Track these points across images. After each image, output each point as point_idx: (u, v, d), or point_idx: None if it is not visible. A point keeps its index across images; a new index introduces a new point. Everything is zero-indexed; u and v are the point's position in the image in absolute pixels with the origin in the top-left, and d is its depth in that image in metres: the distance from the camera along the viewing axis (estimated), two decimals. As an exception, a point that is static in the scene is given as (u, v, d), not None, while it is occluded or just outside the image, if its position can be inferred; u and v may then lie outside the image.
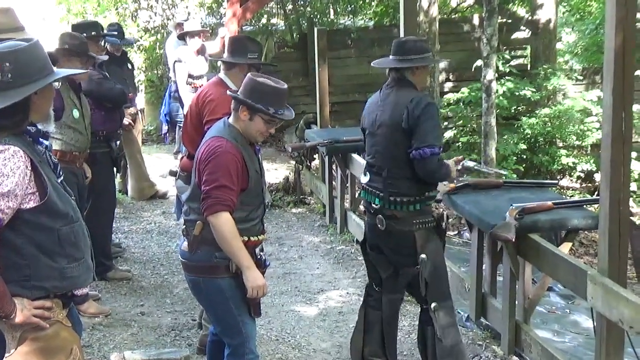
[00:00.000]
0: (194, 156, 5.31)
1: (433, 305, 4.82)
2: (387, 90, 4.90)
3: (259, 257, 4.16)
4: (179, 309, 6.43)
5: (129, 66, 9.28)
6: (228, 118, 4.19)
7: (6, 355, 3.20)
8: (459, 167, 5.11)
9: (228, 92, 4.43)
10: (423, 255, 4.72)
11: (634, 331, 3.78)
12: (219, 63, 5.77)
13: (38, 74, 3.17)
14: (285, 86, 4.17)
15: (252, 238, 4.11)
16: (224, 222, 3.92)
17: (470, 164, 5.24)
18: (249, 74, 4.22)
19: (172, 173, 6.87)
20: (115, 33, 8.71)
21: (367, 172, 5.00)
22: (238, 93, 4.16)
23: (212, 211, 3.91)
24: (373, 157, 4.94)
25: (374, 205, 4.88)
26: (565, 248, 5.20)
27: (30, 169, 3.12)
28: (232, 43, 5.61)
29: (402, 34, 6.95)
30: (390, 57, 4.92)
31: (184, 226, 4.20)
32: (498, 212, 5.15)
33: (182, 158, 5.69)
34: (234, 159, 3.98)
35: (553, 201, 5.32)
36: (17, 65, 3.11)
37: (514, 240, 4.93)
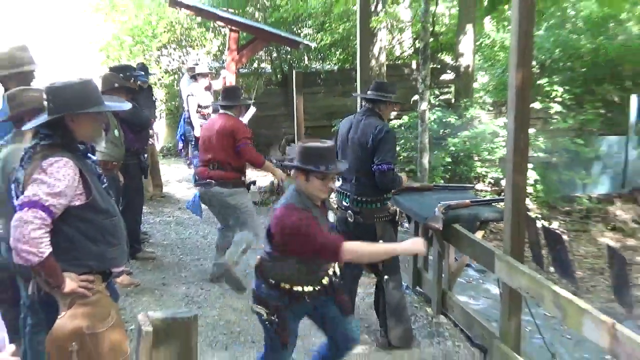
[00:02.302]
0: (206, 162, 5.70)
1: (385, 277, 4.85)
2: (359, 117, 4.90)
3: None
4: (191, 280, 6.40)
5: (153, 97, 9.22)
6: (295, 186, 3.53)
7: (59, 316, 3.18)
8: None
9: (285, 162, 4.27)
10: (381, 242, 4.72)
11: (529, 296, 3.82)
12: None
13: (76, 105, 3.12)
14: (330, 144, 3.51)
15: (305, 288, 3.49)
16: (351, 250, 3.33)
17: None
18: (299, 142, 3.71)
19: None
20: (142, 72, 8.66)
21: (340, 179, 5.01)
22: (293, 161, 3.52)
23: (338, 257, 3.31)
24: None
25: (344, 203, 4.91)
26: (479, 235, 5.23)
27: (78, 175, 3.10)
28: (227, 91, 5.96)
29: (358, 75, 6.98)
30: (369, 92, 4.90)
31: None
32: (429, 208, 5.18)
33: (199, 167, 5.97)
34: (314, 223, 3.34)
35: (470, 200, 5.37)
36: (55, 97, 3.11)
37: (441, 229, 4.97)
